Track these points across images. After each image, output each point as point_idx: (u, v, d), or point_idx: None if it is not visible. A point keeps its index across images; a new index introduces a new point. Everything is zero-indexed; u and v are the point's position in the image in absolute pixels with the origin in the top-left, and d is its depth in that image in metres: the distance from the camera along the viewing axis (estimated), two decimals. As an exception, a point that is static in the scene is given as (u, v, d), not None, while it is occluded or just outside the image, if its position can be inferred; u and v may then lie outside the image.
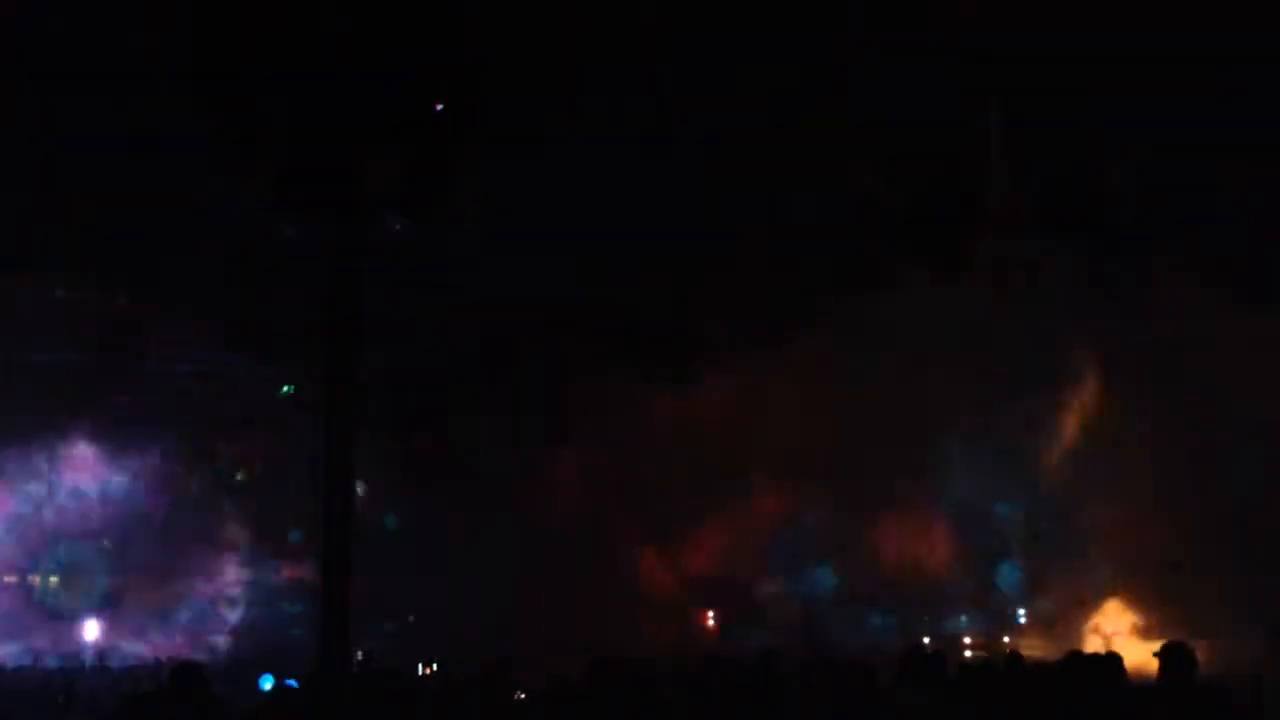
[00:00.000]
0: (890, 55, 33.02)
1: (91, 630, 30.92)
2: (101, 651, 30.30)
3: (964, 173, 34.90)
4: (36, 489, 31.45)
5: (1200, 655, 9.53)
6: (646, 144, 33.14)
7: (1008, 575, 31.16)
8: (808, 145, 32.79)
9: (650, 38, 33.77)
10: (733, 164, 33.12)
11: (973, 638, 30.36)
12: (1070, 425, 30.55)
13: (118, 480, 31.87)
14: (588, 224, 33.12)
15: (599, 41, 33.49)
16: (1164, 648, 9.94)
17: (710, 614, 31.33)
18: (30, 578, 32.06)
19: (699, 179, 33.29)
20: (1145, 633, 28.20)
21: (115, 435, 31.71)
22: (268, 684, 17.81)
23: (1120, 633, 28.92)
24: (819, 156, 33.05)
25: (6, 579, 31.97)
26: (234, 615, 32.14)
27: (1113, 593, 29.81)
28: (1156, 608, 28.55)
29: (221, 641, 31.02)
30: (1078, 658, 10.54)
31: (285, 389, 34.02)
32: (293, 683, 14.31)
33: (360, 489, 30.04)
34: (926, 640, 27.32)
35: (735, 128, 33.32)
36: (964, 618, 31.00)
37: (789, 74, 33.42)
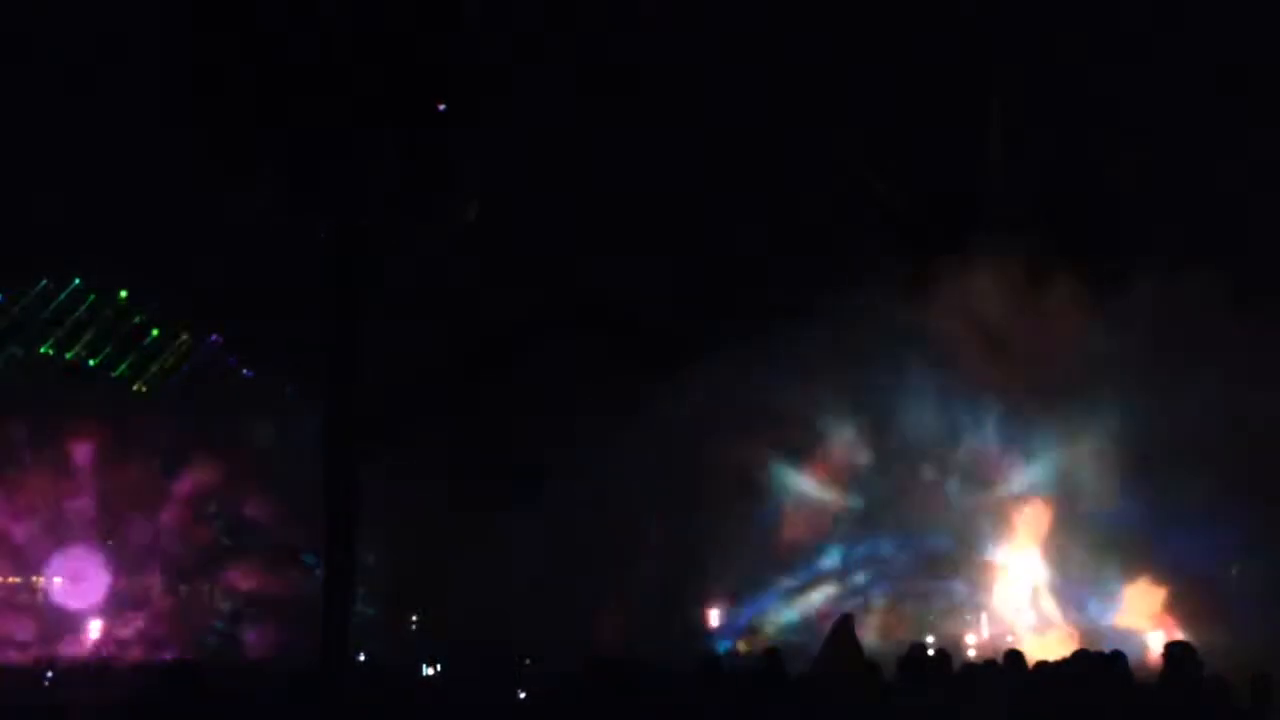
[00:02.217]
0: (890, 53, 33.04)
1: (95, 631, 30.95)
2: (104, 652, 30.31)
3: (964, 172, 34.87)
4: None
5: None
6: (647, 143, 33.18)
7: None
8: (809, 143, 32.81)
9: (652, 35, 33.80)
10: (735, 163, 33.15)
11: (977, 636, 30.21)
12: None
13: (122, 479, 31.89)
14: (588, 222, 33.15)
15: (600, 40, 33.54)
16: (1167, 646, 9.95)
17: (714, 613, 31.27)
18: (34, 578, 32.08)
19: (700, 177, 33.32)
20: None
21: (119, 435, 31.70)
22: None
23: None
24: (820, 155, 33.09)
25: (10, 580, 31.99)
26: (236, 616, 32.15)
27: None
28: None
29: (225, 643, 31.01)
30: (1082, 656, 10.56)
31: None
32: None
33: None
34: (930, 639, 27.24)
35: (737, 127, 33.34)
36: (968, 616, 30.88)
37: (790, 72, 33.43)
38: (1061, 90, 32.60)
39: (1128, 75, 31.62)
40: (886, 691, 10.73)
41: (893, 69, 32.95)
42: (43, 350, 34.06)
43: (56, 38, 32.57)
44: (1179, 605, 28.31)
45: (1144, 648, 25.40)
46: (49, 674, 25.25)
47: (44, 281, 34.36)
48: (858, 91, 32.91)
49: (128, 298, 34.56)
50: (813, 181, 33.59)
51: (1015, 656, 11.76)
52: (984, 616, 30.81)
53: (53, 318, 34.28)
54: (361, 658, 23.84)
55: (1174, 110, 31.16)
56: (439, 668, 23.66)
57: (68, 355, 34.14)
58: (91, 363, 34.44)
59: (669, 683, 12.30)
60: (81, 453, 30.93)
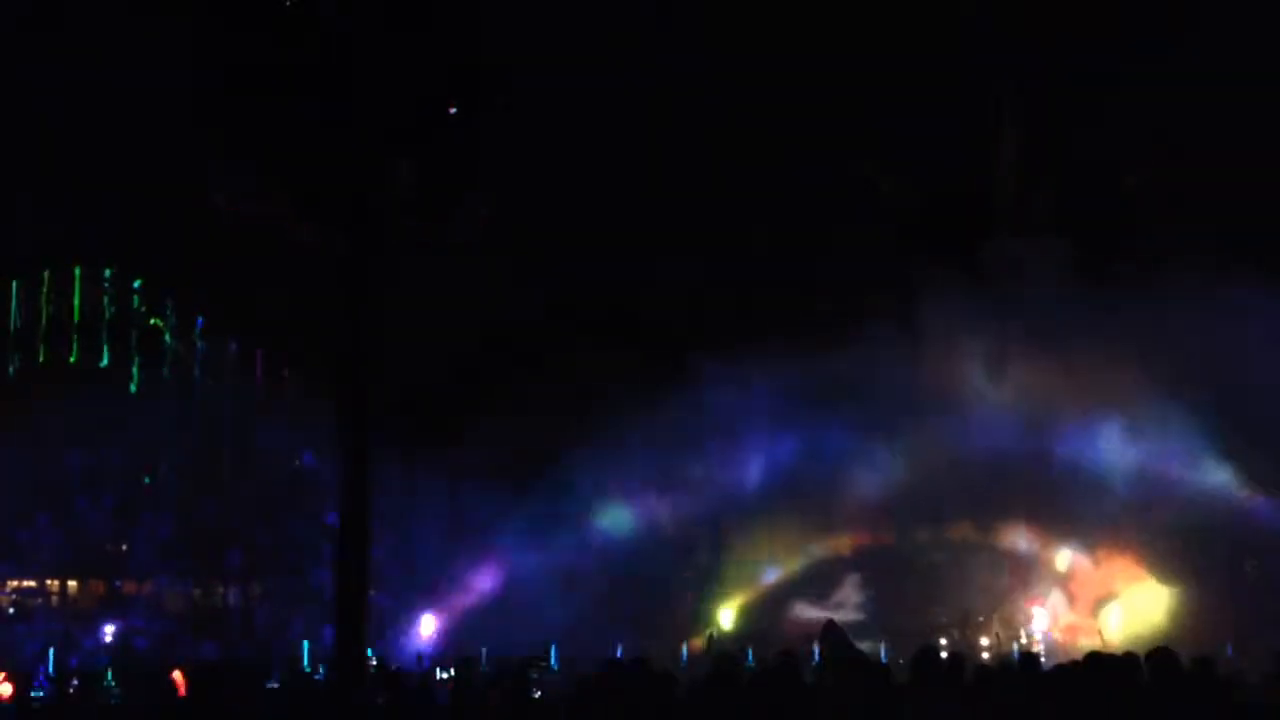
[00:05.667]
0: (901, 53, 33.07)
1: (109, 632, 31.04)
2: (118, 652, 30.37)
3: (977, 173, 34.82)
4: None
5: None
6: (651, 144, 33.24)
7: None
8: (817, 144, 32.83)
9: (658, 38, 33.84)
10: (739, 164, 33.19)
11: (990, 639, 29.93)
12: None
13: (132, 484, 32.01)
14: (593, 225, 33.21)
15: (605, 40, 33.58)
16: (1149, 654, 9.92)
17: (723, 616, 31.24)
18: (48, 581, 32.20)
19: (708, 178, 33.36)
20: None
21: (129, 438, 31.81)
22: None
23: None
24: (829, 154, 33.11)
25: (26, 582, 32.12)
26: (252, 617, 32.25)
27: None
28: None
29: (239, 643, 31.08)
30: (1096, 658, 10.52)
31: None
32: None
33: None
34: (944, 641, 27.13)
35: (743, 128, 33.37)
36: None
37: (796, 72, 33.46)
38: (1074, 90, 32.63)
39: (1141, 75, 31.59)
40: (897, 695, 10.72)
41: (904, 70, 32.99)
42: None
43: (64, 34, 32.71)
44: None
45: None
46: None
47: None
48: (865, 92, 32.94)
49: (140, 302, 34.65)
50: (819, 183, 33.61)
51: (1029, 659, 11.78)
52: None
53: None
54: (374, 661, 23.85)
55: (1185, 110, 31.16)
56: (453, 671, 23.68)
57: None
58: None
59: (683, 686, 12.31)
60: None
